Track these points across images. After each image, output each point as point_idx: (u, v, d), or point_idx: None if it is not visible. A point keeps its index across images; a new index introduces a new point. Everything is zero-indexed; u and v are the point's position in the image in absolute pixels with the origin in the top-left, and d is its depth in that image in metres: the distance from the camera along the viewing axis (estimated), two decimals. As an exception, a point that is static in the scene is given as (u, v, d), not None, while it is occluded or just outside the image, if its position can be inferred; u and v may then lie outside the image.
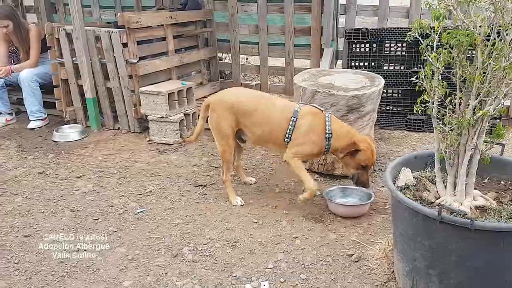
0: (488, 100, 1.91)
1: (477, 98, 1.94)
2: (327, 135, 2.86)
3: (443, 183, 2.15)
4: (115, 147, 4.42)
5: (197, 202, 3.27)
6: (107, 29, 4.54)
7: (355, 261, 2.52)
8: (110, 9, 6.56)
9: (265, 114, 2.99)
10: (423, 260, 2.04)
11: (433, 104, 2.09)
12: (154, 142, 4.47)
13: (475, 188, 2.15)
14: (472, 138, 1.97)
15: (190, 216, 3.07)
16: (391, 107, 4.88)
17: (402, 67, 4.74)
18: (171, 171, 3.83)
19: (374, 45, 4.80)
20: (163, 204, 3.27)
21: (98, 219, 3.08)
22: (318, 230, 2.85)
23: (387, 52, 4.74)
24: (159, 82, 4.77)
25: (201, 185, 3.53)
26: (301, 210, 3.09)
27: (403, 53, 4.71)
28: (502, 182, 2.33)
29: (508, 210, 2.03)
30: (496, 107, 1.90)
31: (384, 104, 4.84)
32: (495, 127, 2.14)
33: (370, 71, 4.09)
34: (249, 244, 2.73)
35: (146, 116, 4.49)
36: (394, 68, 4.79)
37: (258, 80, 5.99)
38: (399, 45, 4.70)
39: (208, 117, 3.20)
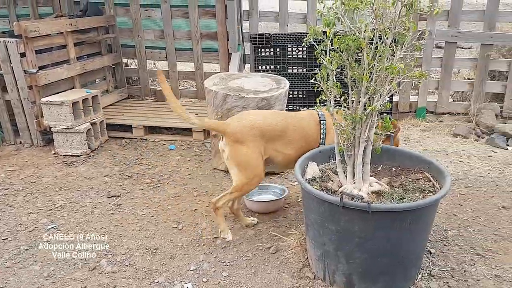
0: (375, 97, 2.17)
1: (366, 96, 2.20)
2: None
3: (344, 173, 2.39)
4: (18, 163, 4.11)
5: (112, 213, 3.19)
6: (3, 39, 4.20)
7: (273, 253, 2.68)
8: (3, 18, 6.09)
9: (297, 128, 2.76)
10: (331, 244, 2.25)
11: (330, 102, 2.31)
12: (61, 155, 4.23)
13: (371, 175, 2.42)
14: (365, 131, 2.22)
15: (105, 228, 2.99)
16: (297, 107, 5.19)
17: (304, 70, 5.07)
18: (81, 183, 3.67)
19: (278, 49, 5.07)
20: (75, 218, 3.13)
21: (7, 238, 2.88)
22: (238, 228, 2.96)
23: (290, 56, 5.03)
24: (62, 92, 4.54)
25: (115, 196, 3.44)
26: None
27: (304, 56, 5.04)
28: (393, 169, 2.65)
29: (398, 193, 2.33)
30: (382, 103, 2.17)
31: (291, 105, 5.13)
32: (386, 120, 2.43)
33: (276, 74, 4.33)
34: (169, 250, 2.74)
35: (50, 128, 4.24)
36: (297, 71, 5.10)
37: (168, 85, 5.93)
38: (300, 49, 5.02)
39: (224, 147, 2.67)
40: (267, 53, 5.08)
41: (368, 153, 2.30)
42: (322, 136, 2.81)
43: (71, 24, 4.72)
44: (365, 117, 2.17)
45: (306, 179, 2.43)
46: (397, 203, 2.23)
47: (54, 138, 4.25)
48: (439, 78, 4.99)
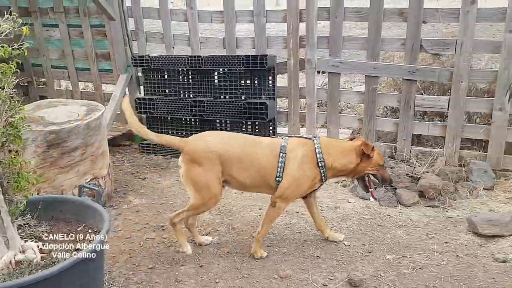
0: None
1: None
2: (319, 163, 2.65)
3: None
4: None
5: None
6: None
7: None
8: None
9: (252, 156, 2.67)
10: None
11: None
12: None
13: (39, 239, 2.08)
14: None
15: None
16: (181, 134, 4.87)
17: (191, 95, 4.75)
18: None
19: (166, 73, 4.80)
20: None
21: None
22: None
23: (179, 80, 4.74)
24: None
25: None
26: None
27: (190, 81, 4.72)
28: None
29: (49, 260, 1.97)
30: None
31: (175, 131, 4.84)
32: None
33: (165, 99, 4.24)
34: None
35: None
36: (184, 96, 4.78)
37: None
38: (184, 73, 4.70)
39: (181, 164, 2.67)
40: (156, 76, 4.84)
41: (5, 217, 1.96)
42: (279, 169, 2.63)
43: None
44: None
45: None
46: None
47: None
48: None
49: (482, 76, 3.73)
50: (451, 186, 3.60)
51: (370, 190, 2.84)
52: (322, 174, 2.68)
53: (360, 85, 6.06)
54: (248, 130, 4.59)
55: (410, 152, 4.06)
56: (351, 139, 2.89)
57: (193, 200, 2.66)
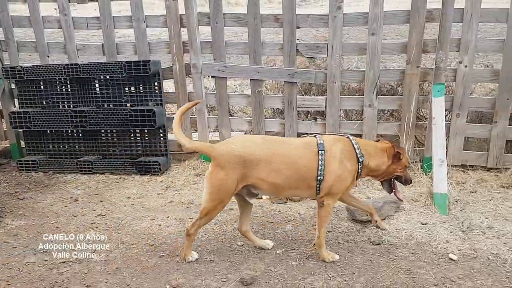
0: None
1: None
2: (359, 159, 2.65)
3: None
4: None
5: None
6: None
7: None
8: None
9: (285, 157, 2.60)
10: None
11: None
12: None
13: None
14: None
15: None
16: (63, 148, 4.54)
17: (71, 106, 4.45)
18: None
19: (42, 84, 4.43)
20: None
21: None
22: None
23: (57, 91, 4.41)
24: None
25: None
26: None
27: (68, 90, 4.42)
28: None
29: None
30: None
31: (55, 145, 4.49)
32: None
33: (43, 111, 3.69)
34: None
35: None
36: (63, 107, 4.47)
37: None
38: (63, 83, 4.40)
39: (208, 171, 2.63)
40: (31, 88, 4.43)
41: None
42: (320, 167, 2.59)
43: None
44: None
45: None
46: None
47: None
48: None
49: (352, 76, 4.09)
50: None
51: (393, 191, 2.89)
52: (359, 171, 2.69)
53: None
54: (137, 138, 4.46)
55: (297, 149, 4.29)
56: (377, 141, 2.91)
57: (203, 204, 2.67)
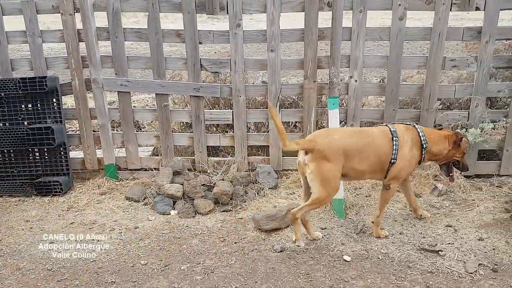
0: None
1: None
2: (423, 145, 3.04)
3: None
4: None
5: None
6: None
7: None
8: None
9: (372, 146, 2.95)
10: None
11: None
12: None
13: None
14: None
15: None
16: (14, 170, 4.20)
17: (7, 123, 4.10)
18: None
19: None
20: None
21: None
22: None
23: None
24: None
25: None
26: None
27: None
28: None
29: None
30: None
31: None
32: None
33: None
34: None
35: None
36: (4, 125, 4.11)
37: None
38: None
39: (308, 162, 2.89)
40: None
41: None
42: (394, 152, 2.95)
43: None
44: None
45: None
46: None
47: None
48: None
49: (256, 90, 4.23)
50: (241, 190, 3.96)
51: (451, 174, 3.30)
52: (423, 156, 3.07)
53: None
54: (36, 158, 4.19)
55: (207, 163, 4.32)
56: (440, 129, 3.30)
57: (318, 194, 2.89)
